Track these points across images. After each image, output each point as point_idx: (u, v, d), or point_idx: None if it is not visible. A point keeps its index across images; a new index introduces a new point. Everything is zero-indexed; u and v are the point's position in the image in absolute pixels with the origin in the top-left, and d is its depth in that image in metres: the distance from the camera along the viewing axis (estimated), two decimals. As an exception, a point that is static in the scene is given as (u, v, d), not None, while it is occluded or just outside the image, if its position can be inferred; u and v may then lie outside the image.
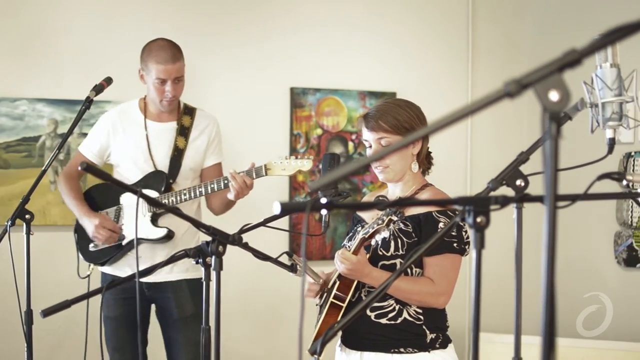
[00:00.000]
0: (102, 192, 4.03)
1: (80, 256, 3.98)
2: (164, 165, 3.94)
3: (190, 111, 4.03)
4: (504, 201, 1.79)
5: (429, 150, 2.96)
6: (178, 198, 3.84)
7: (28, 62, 4.75)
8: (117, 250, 3.90)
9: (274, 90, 5.18)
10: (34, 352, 3.35)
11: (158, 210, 3.87)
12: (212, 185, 3.77)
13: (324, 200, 1.58)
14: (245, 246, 2.49)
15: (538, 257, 5.33)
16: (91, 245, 3.95)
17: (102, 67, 4.60)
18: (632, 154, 4.84)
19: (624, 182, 1.98)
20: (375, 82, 5.36)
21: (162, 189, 3.90)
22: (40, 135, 4.73)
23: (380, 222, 2.60)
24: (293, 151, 5.16)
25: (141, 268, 3.74)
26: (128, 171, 3.96)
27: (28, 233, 3.32)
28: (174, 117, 3.98)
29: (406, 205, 2.77)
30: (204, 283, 2.47)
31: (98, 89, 3.59)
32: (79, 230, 4.02)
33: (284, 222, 5.09)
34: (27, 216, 3.32)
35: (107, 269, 3.99)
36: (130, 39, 4.88)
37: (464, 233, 2.74)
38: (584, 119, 2.41)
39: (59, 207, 4.74)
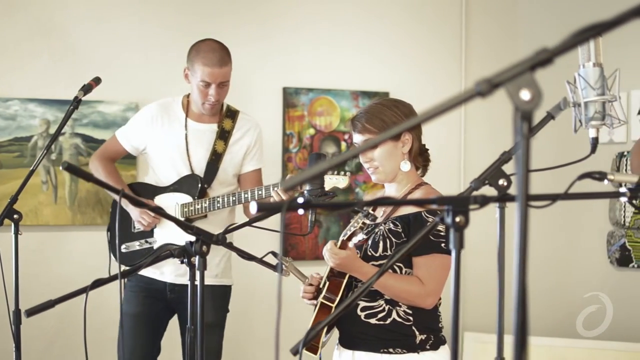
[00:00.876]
0: (135, 192, 3.94)
1: (112, 257, 3.91)
2: (200, 169, 3.87)
3: (232, 114, 3.96)
4: (483, 201, 1.79)
5: (425, 147, 2.96)
6: (211, 205, 3.75)
7: (20, 62, 4.75)
8: (156, 258, 3.78)
9: (266, 89, 5.18)
10: (25, 353, 3.35)
11: (192, 215, 3.79)
12: (246, 195, 3.65)
13: (300, 200, 1.58)
14: (230, 246, 2.49)
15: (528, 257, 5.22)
16: (123, 246, 3.91)
17: (95, 68, 4.59)
18: (625, 153, 4.83)
19: (605, 182, 1.98)
20: (368, 81, 5.36)
21: (197, 194, 3.82)
22: (33, 135, 4.73)
23: (356, 224, 2.63)
24: (285, 151, 5.16)
25: (177, 274, 3.83)
26: (162, 169, 3.90)
27: (16, 233, 3.32)
28: (215, 119, 3.91)
29: (384, 205, 2.78)
30: (190, 283, 2.47)
31: (86, 88, 3.56)
32: (112, 229, 3.98)
33: (276, 222, 5.08)
34: (15, 216, 3.31)
35: (145, 272, 3.85)
36: (123, 39, 4.88)
37: None
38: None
39: (50, 207, 4.74)
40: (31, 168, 3.41)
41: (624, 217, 4.87)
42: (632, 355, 4.56)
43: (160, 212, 2.36)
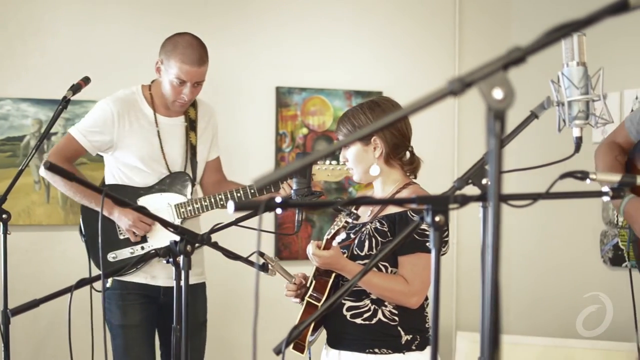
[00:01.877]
0: (116, 194, 3.73)
1: (94, 267, 3.64)
2: (177, 165, 3.71)
3: (192, 102, 3.76)
4: (463, 200, 1.78)
5: (412, 151, 2.94)
6: (214, 203, 3.58)
7: (12, 62, 4.74)
8: (141, 259, 3.49)
9: (259, 89, 5.17)
10: (17, 353, 3.34)
11: (189, 215, 3.63)
12: (252, 190, 3.53)
13: (278, 200, 1.58)
14: (215, 245, 2.49)
15: (515, 255, 5.29)
16: (110, 255, 3.64)
17: (87, 67, 4.58)
18: (618, 153, 4.83)
19: (588, 181, 1.97)
20: (361, 81, 5.36)
21: (190, 193, 3.67)
22: (25, 135, 4.72)
23: (339, 223, 2.64)
24: (278, 151, 5.15)
25: (170, 276, 3.47)
26: (135, 169, 3.68)
27: (5, 233, 3.30)
28: (180, 112, 3.75)
29: (362, 204, 2.79)
30: (175, 282, 2.47)
31: (75, 88, 3.50)
32: (91, 237, 3.67)
33: (270, 222, 5.09)
34: (4, 216, 3.30)
35: (127, 276, 3.66)
36: (115, 39, 4.88)
37: None
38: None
39: (43, 207, 4.74)
40: (20, 167, 3.38)
41: (617, 216, 4.86)
42: (632, 355, 4.55)
43: (144, 212, 2.35)
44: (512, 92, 1.28)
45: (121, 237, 3.68)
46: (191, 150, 3.72)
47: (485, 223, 2.11)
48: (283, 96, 5.18)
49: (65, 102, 3.40)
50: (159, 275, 3.69)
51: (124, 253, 3.67)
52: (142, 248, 3.67)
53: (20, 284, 4.29)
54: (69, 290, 2.40)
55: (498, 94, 1.28)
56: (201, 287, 3.85)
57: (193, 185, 3.71)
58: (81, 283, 2.43)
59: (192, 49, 3.56)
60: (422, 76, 5.49)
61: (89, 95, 4.40)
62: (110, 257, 3.65)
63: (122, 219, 3.59)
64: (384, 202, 2.77)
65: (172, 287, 3.55)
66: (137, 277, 3.66)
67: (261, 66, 5.17)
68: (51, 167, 2.06)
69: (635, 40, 4.71)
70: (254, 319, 1.55)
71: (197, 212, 3.65)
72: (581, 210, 5.09)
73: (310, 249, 2.72)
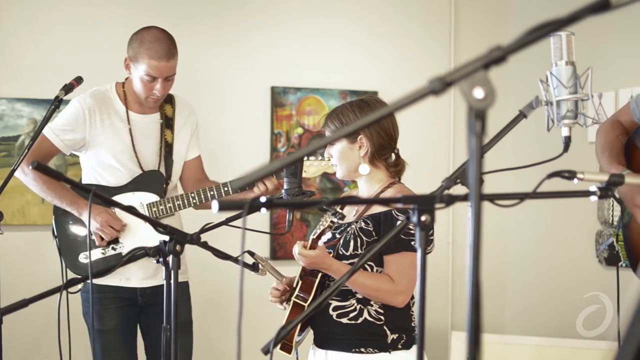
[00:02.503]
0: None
1: (68, 269, 3.56)
2: (150, 164, 3.63)
3: (169, 98, 3.71)
4: (449, 200, 1.78)
5: (398, 153, 2.94)
6: (184, 203, 3.52)
7: (7, 62, 4.74)
8: (116, 261, 3.38)
9: (254, 89, 5.17)
10: (10, 353, 3.33)
11: (161, 215, 3.55)
12: (226, 189, 3.46)
13: (263, 199, 1.57)
14: (205, 245, 2.49)
15: (511, 255, 5.26)
16: (81, 256, 3.56)
17: (82, 67, 4.57)
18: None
19: (575, 181, 1.97)
20: (356, 81, 5.35)
21: (164, 191, 3.60)
22: (20, 134, 4.72)
23: (325, 222, 2.63)
24: (274, 150, 5.15)
25: (146, 277, 3.58)
26: (108, 168, 3.60)
27: (-3, 232, 3.28)
28: (155, 108, 3.67)
29: (347, 204, 2.79)
30: (165, 282, 2.47)
31: (68, 88, 3.46)
32: (63, 237, 3.63)
33: (265, 222, 5.09)
34: (-4, 215, 3.28)
35: (101, 279, 3.50)
36: (109, 39, 4.87)
37: None
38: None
39: (37, 207, 4.74)
40: (12, 167, 3.36)
41: (612, 216, 4.86)
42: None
43: (133, 212, 2.34)
44: (493, 91, 1.28)
45: (93, 237, 3.59)
46: (166, 147, 3.65)
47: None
48: (278, 96, 5.18)
49: (57, 102, 3.36)
50: (133, 276, 3.62)
51: (96, 254, 3.57)
52: (113, 249, 3.59)
53: (15, 284, 4.29)
54: (58, 290, 2.40)
55: (479, 93, 1.28)
56: (184, 286, 3.75)
57: (166, 184, 3.63)
58: (71, 283, 2.42)
59: (159, 44, 3.47)
60: (418, 76, 5.46)
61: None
62: (82, 257, 3.58)
63: (91, 222, 3.48)
64: (370, 202, 2.77)
65: (149, 288, 3.58)
66: (110, 279, 3.54)
67: (256, 66, 5.17)
68: (38, 167, 2.05)
69: (630, 40, 4.71)
70: (238, 318, 1.55)
71: (169, 211, 3.58)
72: (577, 210, 5.09)
73: (296, 249, 2.72)
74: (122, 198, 3.58)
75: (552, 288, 5.33)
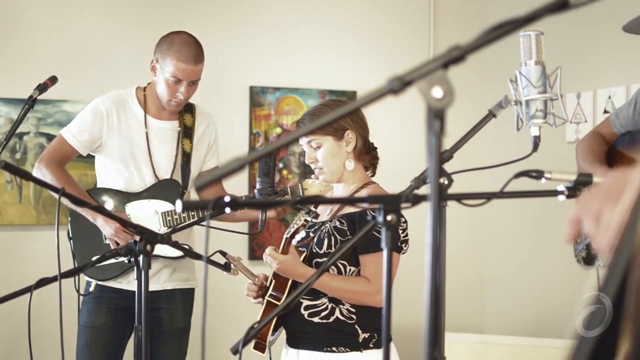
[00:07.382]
0: (99, 199, 3.61)
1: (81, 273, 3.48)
2: (164, 170, 3.62)
3: (189, 108, 3.72)
4: (415, 199, 1.78)
5: (373, 146, 2.95)
6: (201, 212, 3.34)
7: (-17, 61, 4.72)
8: (127, 265, 3.48)
9: (233, 88, 5.16)
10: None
11: (174, 225, 3.49)
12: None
13: (227, 199, 1.57)
14: (175, 245, 2.48)
15: (491, 254, 5.26)
16: (94, 259, 3.52)
17: (59, 66, 4.56)
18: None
19: (543, 181, 1.98)
20: (335, 80, 5.35)
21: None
22: (-3, 134, 4.70)
23: (298, 221, 2.64)
24: (252, 150, 5.14)
25: (157, 285, 3.57)
26: (121, 171, 3.60)
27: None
28: (175, 116, 3.67)
29: (316, 203, 2.79)
30: (137, 282, 2.46)
31: (42, 88, 3.42)
32: (79, 239, 3.61)
33: (243, 222, 5.07)
34: (-31, 216, 3.26)
35: (109, 282, 3.60)
36: (87, 37, 4.85)
37: (400, 231, 2.74)
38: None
39: (15, 207, 4.71)
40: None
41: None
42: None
43: (103, 212, 2.33)
44: (452, 90, 1.28)
45: (106, 241, 3.58)
46: (183, 157, 3.65)
47: (442, 221, 2.11)
48: (257, 95, 5.17)
49: (31, 102, 3.34)
50: (134, 279, 3.60)
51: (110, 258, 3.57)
52: None
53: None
54: (28, 290, 2.39)
55: (437, 92, 1.28)
56: (186, 292, 3.74)
57: (183, 194, 3.62)
58: (41, 283, 2.42)
59: (188, 47, 3.52)
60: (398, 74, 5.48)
61: (61, 95, 4.40)
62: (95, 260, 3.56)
63: (105, 227, 3.48)
64: (338, 201, 2.77)
65: (150, 292, 3.55)
66: (115, 282, 3.60)
67: (235, 65, 5.16)
68: (6, 166, 2.04)
69: (608, 40, 4.72)
70: (202, 318, 1.54)
71: (183, 221, 3.52)
72: (556, 210, 5.09)
73: (268, 251, 2.72)
74: (137, 205, 3.58)
75: (532, 288, 5.35)
